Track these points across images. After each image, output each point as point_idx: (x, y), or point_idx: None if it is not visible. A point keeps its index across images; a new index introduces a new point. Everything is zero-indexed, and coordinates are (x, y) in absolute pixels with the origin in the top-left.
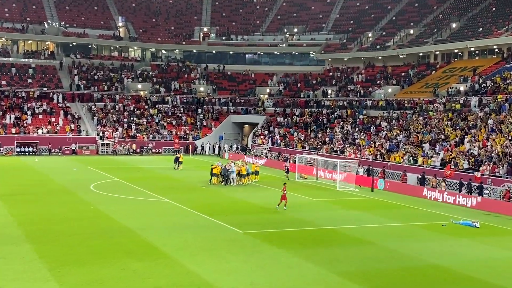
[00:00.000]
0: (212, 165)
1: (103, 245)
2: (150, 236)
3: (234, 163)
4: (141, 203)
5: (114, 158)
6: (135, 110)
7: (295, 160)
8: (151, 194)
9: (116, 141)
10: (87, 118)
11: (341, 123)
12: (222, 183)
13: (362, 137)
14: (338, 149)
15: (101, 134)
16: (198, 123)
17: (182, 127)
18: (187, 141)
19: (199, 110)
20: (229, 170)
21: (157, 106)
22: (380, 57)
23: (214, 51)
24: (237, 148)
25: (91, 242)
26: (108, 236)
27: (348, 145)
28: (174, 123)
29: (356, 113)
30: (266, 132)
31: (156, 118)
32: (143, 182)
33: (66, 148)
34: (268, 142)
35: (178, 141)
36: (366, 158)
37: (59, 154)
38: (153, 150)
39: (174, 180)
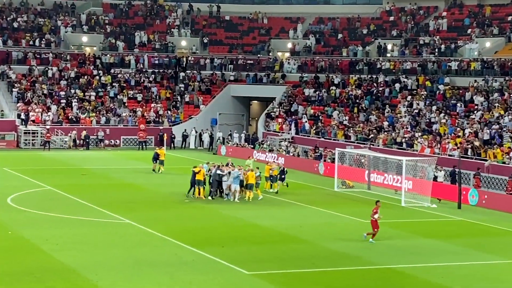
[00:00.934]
0: (194, 168)
1: None
2: (103, 280)
3: (234, 165)
4: (88, 227)
5: (45, 154)
6: (78, 77)
7: (333, 158)
8: (104, 212)
9: (48, 127)
10: (0, 89)
11: (409, 98)
12: (210, 197)
13: (443, 120)
14: (403, 140)
15: (23, 117)
16: (178, 99)
17: (153, 105)
18: (161, 128)
19: (180, 78)
20: (221, 174)
21: (112, 71)
22: None
23: None
24: (241, 139)
25: None
26: (36, 279)
27: (419, 134)
28: (139, 99)
29: (433, 82)
30: (287, 113)
31: (111, 90)
32: (90, 193)
33: None
34: (290, 129)
35: (145, 128)
36: (449, 155)
37: None
38: (106, 142)
39: (140, 190)
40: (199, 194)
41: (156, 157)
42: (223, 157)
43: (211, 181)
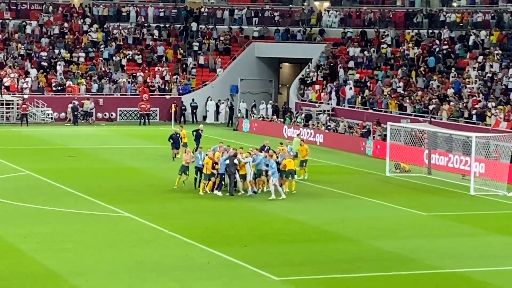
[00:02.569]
0: (174, 135)
1: None
2: None
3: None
4: (76, 222)
5: (22, 130)
6: (64, 34)
7: (384, 135)
8: (97, 203)
9: (25, 96)
10: None
11: (480, 58)
12: (216, 191)
13: None
14: (473, 112)
15: None
16: (189, 61)
17: (157, 69)
18: (168, 97)
19: (191, 35)
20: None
21: (106, 26)
22: None
23: None
24: (268, 111)
25: None
26: (14, 287)
27: (493, 104)
28: (139, 61)
29: None
30: (326, 79)
31: (105, 50)
32: (80, 180)
33: None
34: (330, 99)
35: (149, 98)
36: None
37: None
38: (96, 116)
39: (141, 176)
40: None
41: (176, 140)
42: (245, 134)
43: (221, 171)
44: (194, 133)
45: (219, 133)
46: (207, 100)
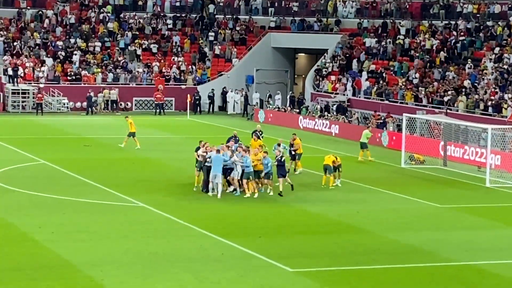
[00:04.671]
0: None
1: None
2: (109, 278)
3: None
4: (91, 212)
5: (38, 119)
6: (80, 24)
7: (398, 125)
8: (112, 193)
9: (42, 86)
10: None
11: (497, 50)
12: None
13: None
14: (489, 104)
15: (11, 73)
16: (206, 51)
17: (173, 59)
18: (184, 87)
19: (207, 25)
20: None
21: (122, 15)
22: None
23: None
24: (284, 102)
25: None
26: (27, 277)
27: (510, 96)
28: (154, 51)
29: None
30: (342, 69)
31: (121, 40)
32: (95, 170)
33: None
34: (345, 90)
35: (163, 87)
36: None
37: None
38: (115, 106)
39: (157, 167)
40: None
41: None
42: (261, 123)
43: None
44: (253, 134)
45: (233, 123)
46: (226, 91)
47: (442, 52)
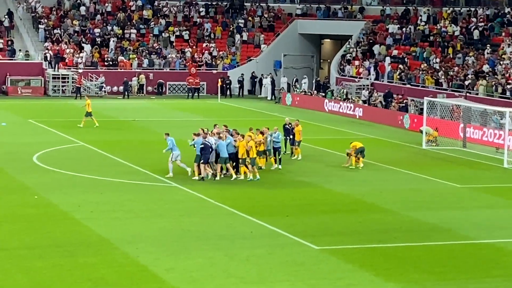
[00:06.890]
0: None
1: (59, 272)
2: (144, 255)
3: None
4: (127, 191)
5: (77, 103)
6: (116, 12)
7: (420, 109)
8: (147, 174)
9: (80, 71)
10: (25, 26)
11: None
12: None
13: None
14: (507, 88)
15: (51, 59)
16: (237, 38)
17: (205, 45)
18: (215, 72)
19: (237, 12)
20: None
21: (156, 4)
22: None
23: None
24: (310, 86)
25: (34, 264)
26: (66, 253)
27: None
28: (187, 37)
29: None
30: (366, 55)
31: (155, 27)
32: (131, 151)
33: None
34: (369, 74)
35: (196, 72)
36: None
37: None
38: (146, 90)
39: (188, 147)
40: None
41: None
42: (288, 107)
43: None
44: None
45: (262, 106)
46: (261, 77)
47: (462, 37)
